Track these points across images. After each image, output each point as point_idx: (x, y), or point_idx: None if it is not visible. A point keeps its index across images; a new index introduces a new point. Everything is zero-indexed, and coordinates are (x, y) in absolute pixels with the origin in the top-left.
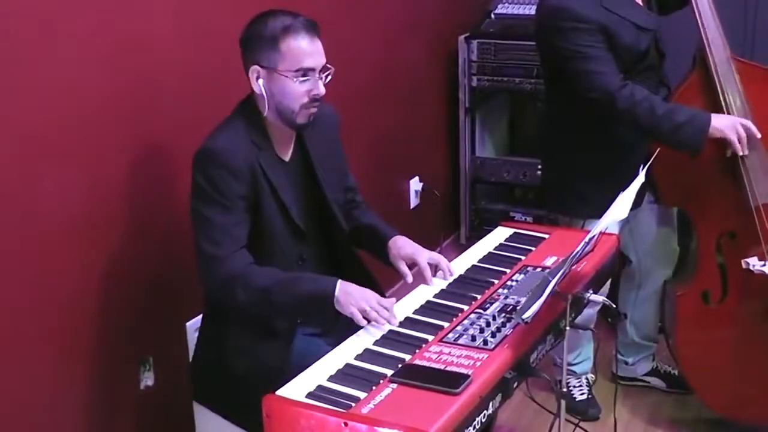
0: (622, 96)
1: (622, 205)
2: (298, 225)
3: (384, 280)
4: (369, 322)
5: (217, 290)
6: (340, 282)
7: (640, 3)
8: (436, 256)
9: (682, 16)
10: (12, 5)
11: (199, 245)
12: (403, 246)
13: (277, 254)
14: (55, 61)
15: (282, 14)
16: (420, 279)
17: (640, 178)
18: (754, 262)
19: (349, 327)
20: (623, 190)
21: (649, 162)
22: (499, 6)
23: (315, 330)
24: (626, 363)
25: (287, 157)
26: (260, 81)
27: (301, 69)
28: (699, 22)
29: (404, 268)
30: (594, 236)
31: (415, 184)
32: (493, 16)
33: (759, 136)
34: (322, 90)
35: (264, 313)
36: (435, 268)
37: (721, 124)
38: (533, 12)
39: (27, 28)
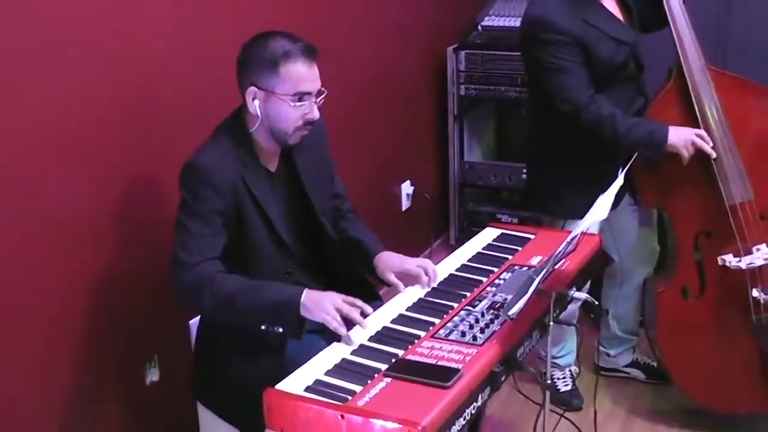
0: (588, 111)
1: (601, 206)
2: (282, 238)
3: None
4: (347, 324)
5: (184, 293)
6: (306, 290)
7: (620, 18)
8: (422, 262)
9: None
10: (22, 15)
11: (174, 251)
12: (389, 259)
13: (262, 269)
14: (60, 71)
15: (282, 38)
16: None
17: (619, 181)
18: (729, 259)
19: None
20: (602, 193)
21: (628, 165)
22: (486, 19)
23: (314, 327)
24: (608, 355)
25: (273, 168)
26: (256, 101)
27: (298, 93)
28: (675, 34)
29: (395, 280)
30: (576, 236)
31: (407, 188)
32: (479, 28)
33: (711, 152)
34: (316, 114)
35: (229, 319)
36: (424, 272)
37: (676, 140)
38: (517, 24)
39: (34, 39)
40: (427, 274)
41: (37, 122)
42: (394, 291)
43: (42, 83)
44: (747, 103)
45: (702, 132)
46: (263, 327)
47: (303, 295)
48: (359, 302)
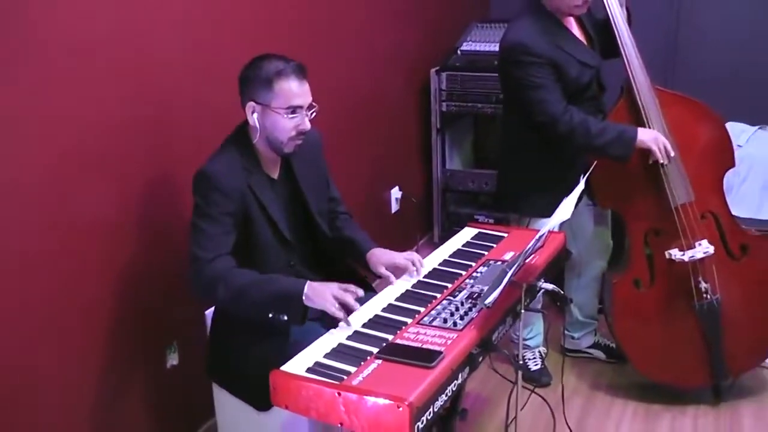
0: (563, 121)
1: (566, 207)
2: (285, 236)
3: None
4: (345, 310)
5: (201, 287)
6: (308, 282)
7: (585, 43)
8: (409, 255)
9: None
10: (46, 34)
11: (191, 249)
12: (380, 255)
13: (268, 262)
14: (88, 91)
15: (276, 58)
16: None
17: (581, 186)
18: (675, 253)
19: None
20: (566, 196)
21: (588, 172)
22: (464, 44)
23: (315, 315)
24: (573, 338)
25: (275, 175)
26: (255, 115)
27: (291, 107)
28: (624, 57)
29: (386, 272)
30: (543, 234)
31: (396, 193)
32: (459, 52)
33: (673, 153)
34: (307, 125)
35: (241, 309)
36: (412, 263)
37: (646, 137)
38: (492, 49)
39: (66, 63)
40: (414, 265)
41: (72, 141)
42: (385, 283)
43: (75, 107)
44: (687, 117)
45: (664, 138)
46: (270, 315)
47: (306, 287)
48: (352, 287)
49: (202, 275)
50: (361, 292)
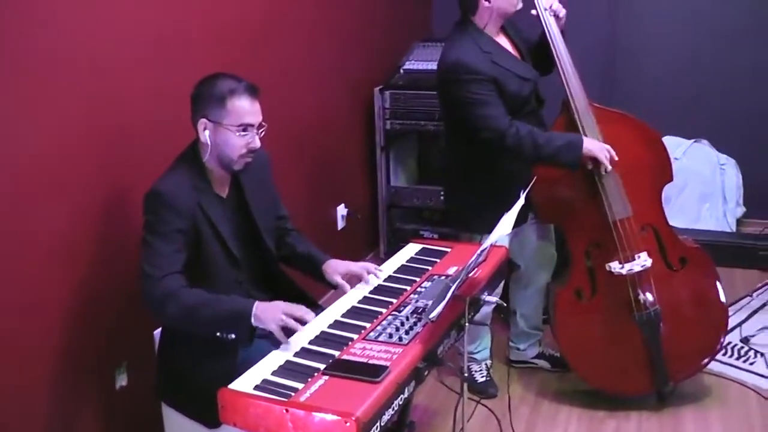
0: (510, 133)
1: (506, 223)
2: (234, 254)
3: (316, 292)
4: (288, 335)
5: (152, 305)
6: (257, 302)
7: (518, 57)
8: (365, 264)
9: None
10: (7, 58)
11: (142, 266)
12: (336, 265)
13: (217, 280)
14: (42, 110)
15: (229, 78)
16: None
17: (521, 201)
18: (614, 266)
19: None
20: (507, 211)
21: (528, 188)
22: (407, 63)
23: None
24: (518, 349)
25: (225, 194)
26: (206, 132)
27: (242, 124)
28: (562, 76)
29: (341, 281)
30: (486, 249)
31: (342, 210)
32: (402, 71)
33: (617, 158)
34: (257, 144)
35: (190, 327)
36: (367, 272)
37: (592, 145)
38: (434, 67)
39: (19, 81)
40: (369, 272)
41: (26, 160)
42: (341, 293)
43: (21, 121)
44: (625, 134)
45: (608, 147)
46: (218, 334)
47: (254, 307)
48: (301, 311)
49: (152, 293)
50: (310, 317)
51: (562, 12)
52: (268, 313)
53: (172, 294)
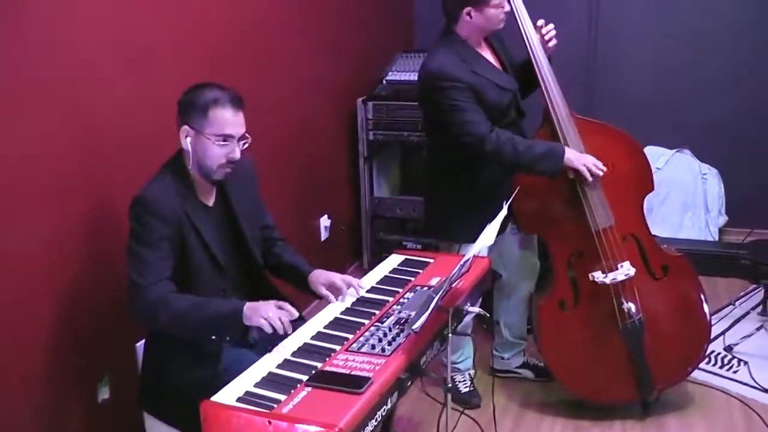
0: (490, 139)
1: (489, 233)
2: (219, 262)
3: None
4: (274, 330)
5: (141, 313)
6: (247, 302)
7: (499, 68)
8: (347, 278)
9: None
10: None
11: (129, 275)
12: (320, 275)
13: (202, 286)
14: (22, 123)
15: (215, 87)
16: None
17: (503, 212)
18: (598, 275)
19: (272, 342)
20: (490, 221)
21: (510, 198)
22: (389, 74)
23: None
24: (502, 358)
25: (210, 203)
26: (188, 139)
27: (223, 135)
28: (544, 88)
29: (325, 292)
30: (469, 260)
31: (325, 221)
32: (385, 82)
33: (605, 169)
34: (237, 155)
35: (183, 333)
36: (348, 286)
37: (573, 155)
38: (417, 78)
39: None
40: (350, 286)
41: (9, 172)
42: (324, 303)
43: (12, 139)
44: (607, 145)
45: (592, 157)
46: (213, 338)
47: (245, 306)
48: (287, 307)
49: (141, 301)
50: (295, 313)
51: (552, 42)
52: (256, 310)
53: (162, 300)
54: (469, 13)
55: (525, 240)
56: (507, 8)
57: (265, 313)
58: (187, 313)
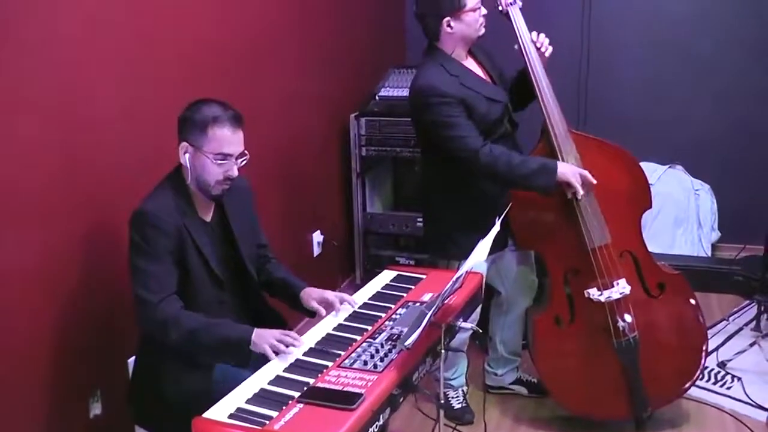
0: (484, 153)
1: (482, 249)
2: (217, 275)
3: (291, 319)
4: (277, 355)
5: (152, 330)
6: (255, 329)
7: (488, 80)
8: (341, 294)
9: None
10: None
11: (136, 292)
12: (312, 292)
13: (200, 299)
14: (15, 141)
15: (216, 105)
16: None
17: (496, 228)
18: (593, 293)
19: (265, 358)
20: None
21: (503, 214)
22: (382, 90)
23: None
24: (496, 374)
25: (208, 219)
26: (187, 155)
27: (221, 153)
28: (542, 103)
29: (317, 306)
30: (461, 275)
31: (317, 237)
32: (377, 98)
33: (595, 182)
34: (235, 173)
35: (191, 352)
36: (341, 301)
37: (566, 169)
38: None
39: None
40: (344, 302)
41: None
42: (315, 321)
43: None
44: (605, 161)
45: (584, 171)
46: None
47: (253, 333)
48: (291, 337)
49: (151, 319)
50: (301, 342)
51: (548, 51)
52: (262, 337)
53: (173, 319)
54: (449, 24)
55: (523, 257)
56: (485, 11)
57: (270, 341)
58: (196, 334)
